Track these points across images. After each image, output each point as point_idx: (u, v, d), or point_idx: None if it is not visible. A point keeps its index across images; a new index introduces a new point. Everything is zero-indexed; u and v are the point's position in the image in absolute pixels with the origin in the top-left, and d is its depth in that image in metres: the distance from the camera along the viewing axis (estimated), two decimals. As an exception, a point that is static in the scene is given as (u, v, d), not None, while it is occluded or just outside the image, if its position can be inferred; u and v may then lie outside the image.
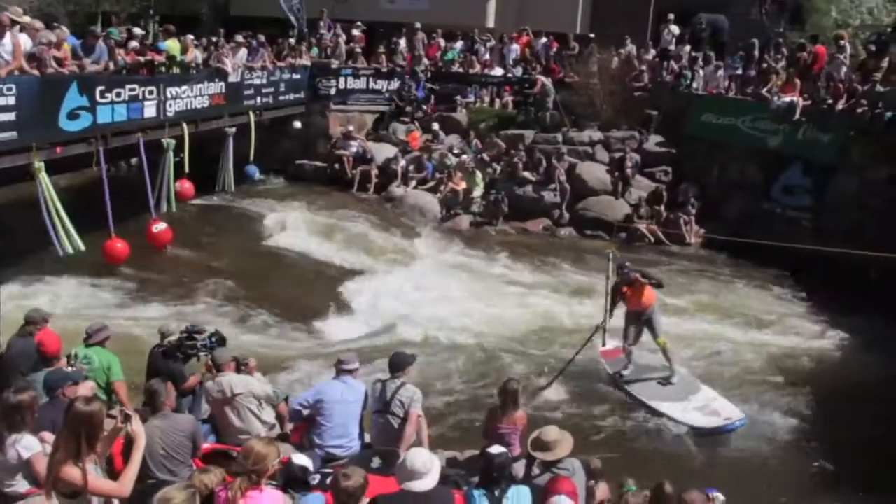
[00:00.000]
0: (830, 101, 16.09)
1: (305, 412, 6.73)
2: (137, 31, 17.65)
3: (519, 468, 6.28)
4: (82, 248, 12.39)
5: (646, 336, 10.53)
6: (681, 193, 17.53)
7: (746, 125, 17.42)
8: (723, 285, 14.61)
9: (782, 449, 9.25)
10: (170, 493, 4.11)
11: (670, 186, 17.94)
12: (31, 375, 6.81)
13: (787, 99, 16.54)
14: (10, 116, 11.53)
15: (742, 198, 17.36)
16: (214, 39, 18.93)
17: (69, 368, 6.94)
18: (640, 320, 10.44)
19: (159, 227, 14.69)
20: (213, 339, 7.46)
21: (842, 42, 17.16)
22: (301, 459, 5.30)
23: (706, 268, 15.56)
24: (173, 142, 15.28)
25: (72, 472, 4.41)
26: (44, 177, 12.13)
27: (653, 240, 16.86)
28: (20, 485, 5.08)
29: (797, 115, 16.34)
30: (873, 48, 16.81)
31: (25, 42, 12.37)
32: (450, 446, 7.77)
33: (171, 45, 16.02)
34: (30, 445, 5.01)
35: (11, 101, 11.49)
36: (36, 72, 12.13)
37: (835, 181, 15.79)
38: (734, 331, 12.49)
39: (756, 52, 18.77)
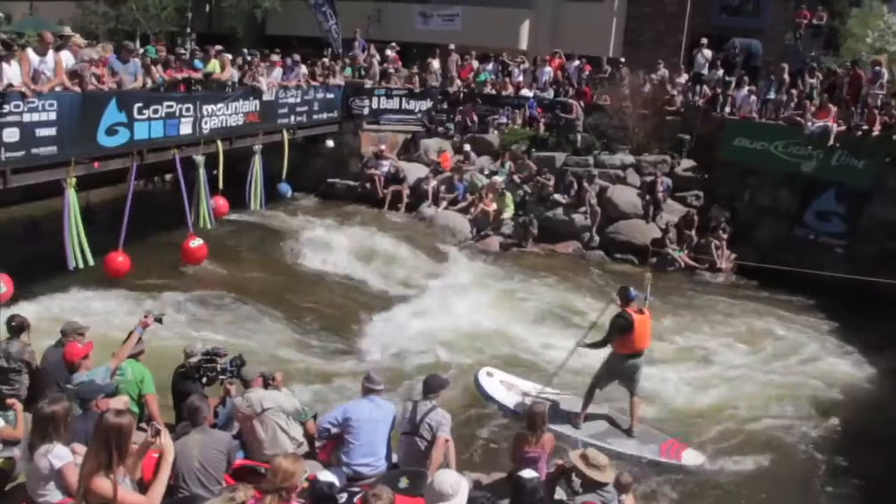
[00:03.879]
0: (866, 127, 15.95)
1: (334, 430, 6.76)
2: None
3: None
4: (91, 263, 12.50)
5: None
6: (712, 218, 17.40)
7: (780, 150, 17.28)
8: (754, 312, 14.45)
9: (810, 480, 9.12)
10: None
11: (701, 211, 17.82)
12: (70, 384, 6.90)
13: (822, 124, 16.41)
14: (51, 131, 11.79)
15: (774, 223, 17.22)
16: (249, 58, 19.18)
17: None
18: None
19: (195, 243, 14.73)
20: (234, 364, 7.44)
21: (878, 68, 17.04)
22: (327, 476, 5.31)
23: (737, 294, 15.43)
24: (203, 158, 15.42)
25: (102, 484, 4.44)
26: (73, 192, 12.33)
27: (683, 265, 16.74)
28: (52, 494, 5.13)
29: (831, 141, 16.21)
30: (911, 74, 16.72)
31: (68, 59, 12.67)
32: (475, 469, 7.74)
33: (213, 65, 16.30)
34: (61, 455, 5.08)
35: (53, 116, 11.76)
36: (77, 88, 12.38)
37: (869, 208, 15.64)
38: (764, 359, 12.34)
39: (787, 77, 18.67)
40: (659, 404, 10.68)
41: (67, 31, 14.16)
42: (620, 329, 8.93)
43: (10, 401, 6.54)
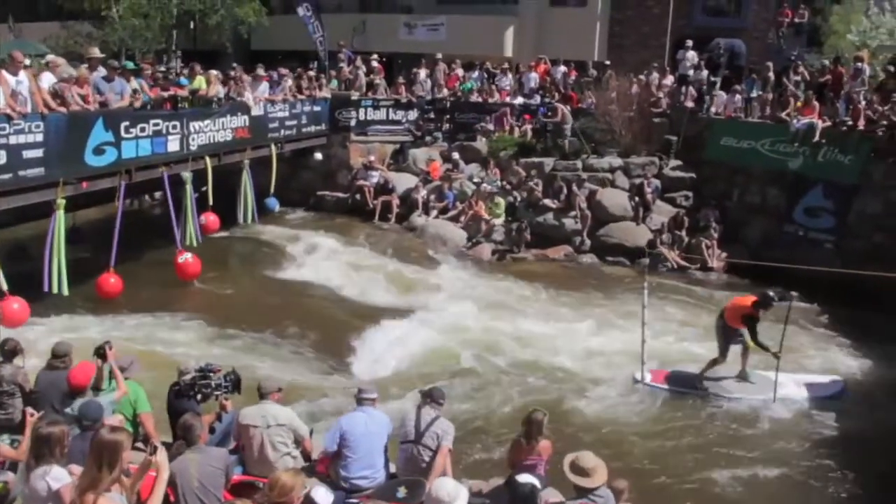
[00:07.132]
0: (850, 123, 16.05)
1: (334, 449, 6.73)
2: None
3: (547, 495, 6.23)
4: (66, 292, 12.39)
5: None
6: (702, 218, 17.48)
7: (766, 148, 17.37)
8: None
9: (803, 475, 9.15)
10: None
11: (691, 211, 17.90)
12: (67, 407, 6.87)
13: (807, 121, 16.50)
14: (38, 153, 11.78)
15: (763, 221, 17.32)
16: (233, 74, 19.18)
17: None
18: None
19: (185, 258, 14.64)
20: (229, 379, 7.39)
21: (859, 64, 17.14)
22: (319, 496, 5.18)
23: (730, 293, 15.41)
24: (190, 175, 15.40)
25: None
26: (61, 214, 12.31)
27: (675, 265, 16.79)
28: (51, 517, 5.13)
29: (817, 137, 16.30)
30: (892, 69, 16.81)
31: (49, 79, 12.66)
32: (474, 476, 7.73)
33: (199, 81, 16.32)
34: (59, 476, 5.07)
35: (39, 137, 11.75)
36: (63, 109, 12.35)
37: (857, 202, 15.73)
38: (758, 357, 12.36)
39: (771, 75, 18.78)
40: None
41: (96, 52, 14.34)
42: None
43: (31, 418, 6.48)
